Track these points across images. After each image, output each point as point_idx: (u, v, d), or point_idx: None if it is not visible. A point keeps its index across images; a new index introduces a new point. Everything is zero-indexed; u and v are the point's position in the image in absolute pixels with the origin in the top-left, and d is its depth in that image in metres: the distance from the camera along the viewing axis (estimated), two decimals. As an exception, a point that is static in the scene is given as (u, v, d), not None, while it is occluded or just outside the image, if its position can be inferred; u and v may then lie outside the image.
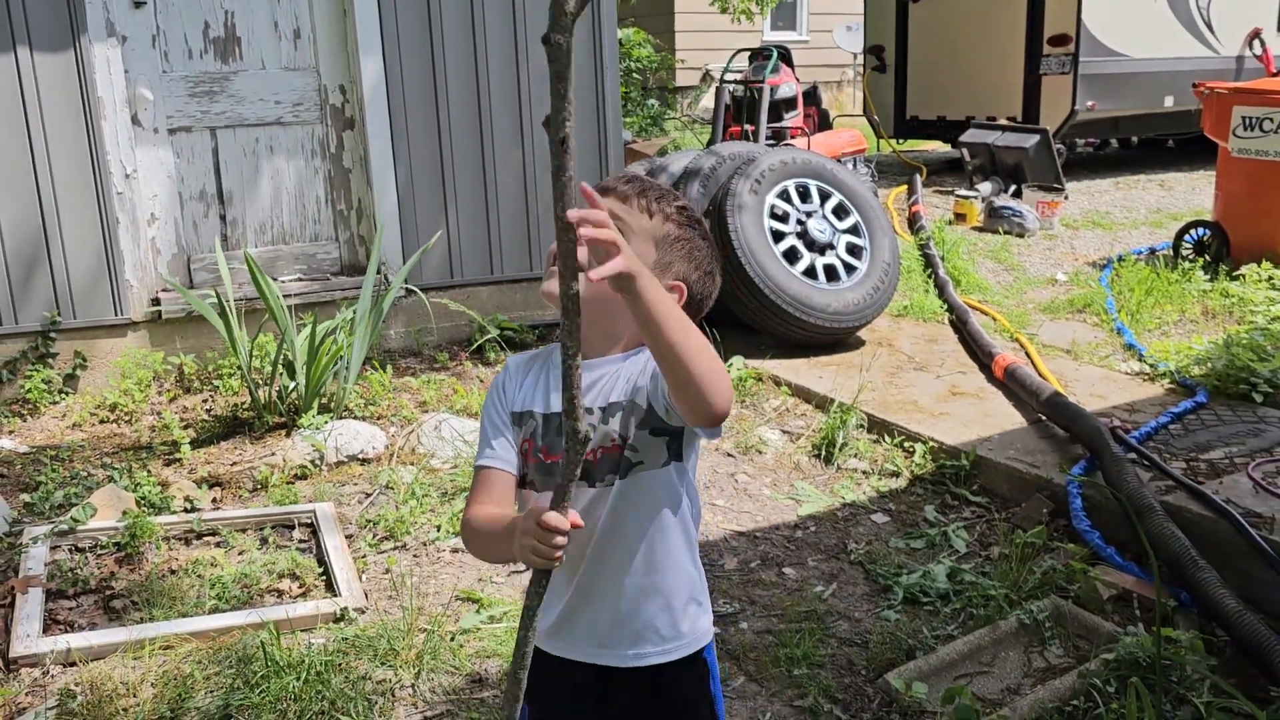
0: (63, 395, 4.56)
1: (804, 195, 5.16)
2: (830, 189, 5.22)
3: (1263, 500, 3.21)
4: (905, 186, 8.57)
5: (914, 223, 7.23)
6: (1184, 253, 6.40)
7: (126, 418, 4.42)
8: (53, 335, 4.57)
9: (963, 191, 7.72)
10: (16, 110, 4.39)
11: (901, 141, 10.63)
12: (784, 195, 5.10)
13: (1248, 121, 5.99)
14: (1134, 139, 10.39)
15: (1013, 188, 7.91)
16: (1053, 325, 5.44)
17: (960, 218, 7.44)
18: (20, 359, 4.53)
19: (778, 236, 4.98)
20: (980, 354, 4.83)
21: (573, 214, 1.09)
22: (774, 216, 5.02)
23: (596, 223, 1.14)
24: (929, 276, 6.11)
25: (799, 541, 3.49)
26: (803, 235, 5.04)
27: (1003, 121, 8.86)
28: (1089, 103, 8.61)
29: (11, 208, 4.43)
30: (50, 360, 4.56)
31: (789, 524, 3.61)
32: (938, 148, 10.98)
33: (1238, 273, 5.81)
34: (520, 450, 1.51)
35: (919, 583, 3.15)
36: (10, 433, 4.28)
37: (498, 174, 5.36)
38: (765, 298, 4.78)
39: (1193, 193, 8.76)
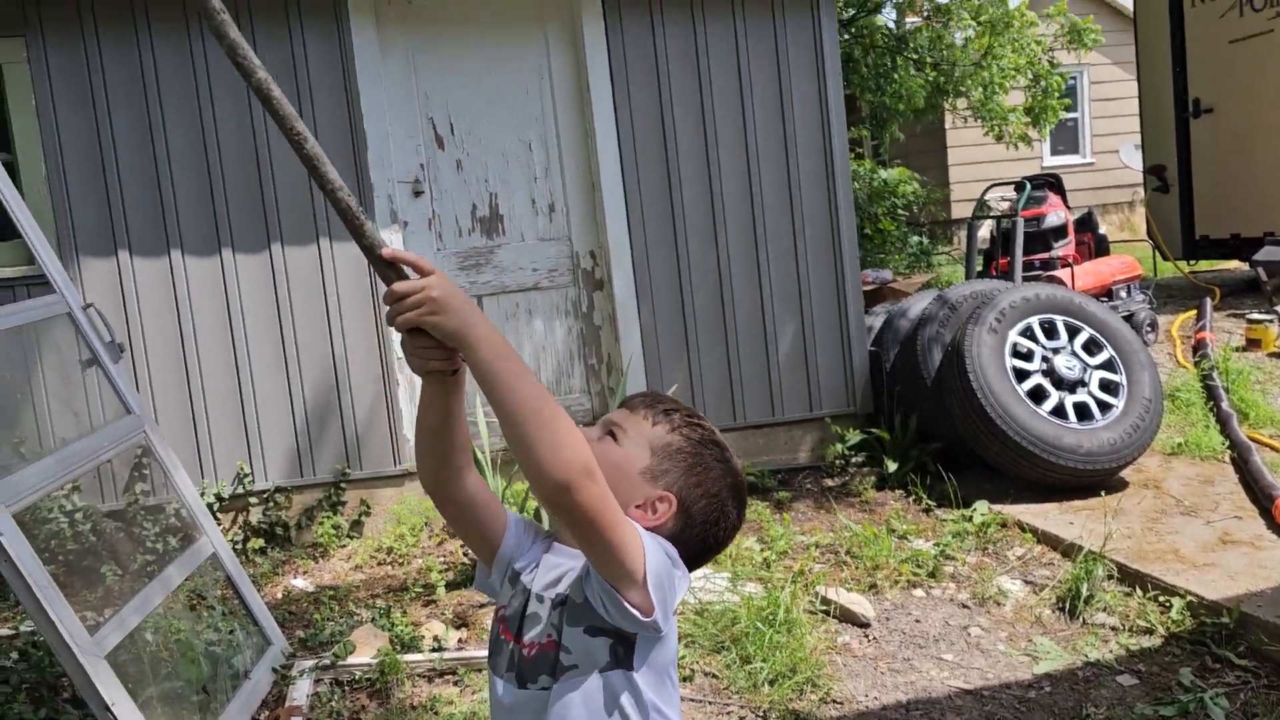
0: (349, 539, 5.11)
1: (1049, 332, 4.97)
2: (1079, 324, 5.00)
3: None
4: (1195, 311, 7.97)
5: (1199, 349, 6.69)
6: None
7: (400, 560, 4.87)
8: (343, 485, 5.15)
9: (1256, 315, 7.07)
10: (318, 291, 5.12)
11: (1193, 263, 9.91)
12: (1027, 333, 4.94)
13: None
14: None
15: (1320, 307, 7.15)
16: (1360, 463, 4.83)
17: (1254, 344, 6.78)
18: (316, 507, 5.14)
19: (1021, 375, 4.82)
20: (1260, 496, 4.37)
21: (388, 252, 1.22)
22: (1017, 355, 4.87)
23: (397, 299, 1.20)
24: (1210, 410, 5.62)
25: (1031, 703, 3.27)
26: (1049, 373, 4.84)
27: (1307, 235, 8.09)
28: None
29: (311, 374, 5.12)
30: (340, 508, 5.14)
31: (1022, 683, 3.39)
32: (1237, 267, 10.11)
33: None
34: (496, 614, 1.44)
35: (1164, 756, 2.87)
36: (305, 574, 4.83)
37: (738, 326, 5.57)
38: (1008, 438, 4.60)
39: None
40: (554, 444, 1.15)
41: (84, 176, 4.85)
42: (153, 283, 4.94)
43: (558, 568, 1.37)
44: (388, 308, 1.22)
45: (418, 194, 5.31)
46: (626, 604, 1.22)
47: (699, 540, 1.40)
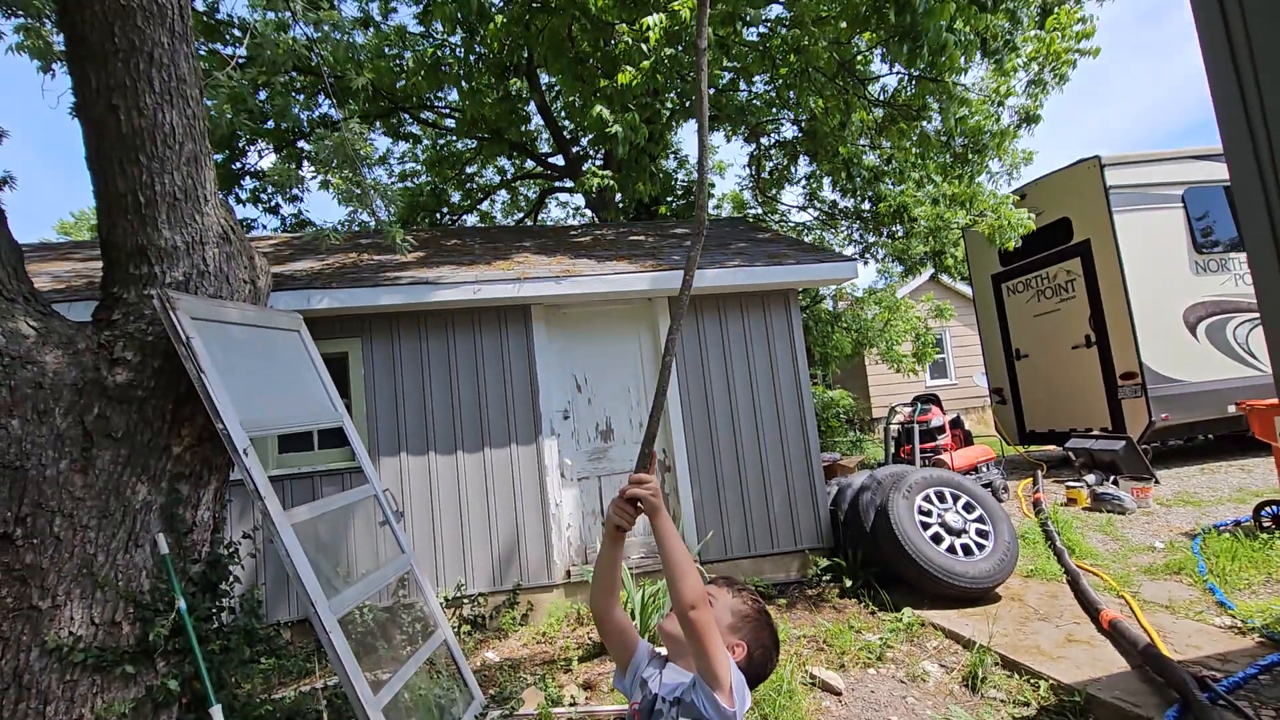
0: (520, 626, 4.94)
1: (941, 498, 4.79)
2: (960, 493, 4.81)
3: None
4: (1031, 479, 7.59)
5: (1037, 506, 6.33)
6: (1264, 524, 5.07)
7: (549, 641, 4.67)
8: (518, 592, 5.04)
9: (1072, 482, 6.71)
10: (510, 474, 5.20)
11: (1026, 447, 9.52)
12: (927, 498, 4.76)
13: (1286, 428, 4.89)
14: (1210, 435, 8.58)
15: (1112, 478, 6.76)
16: (1152, 584, 4.42)
17: (1072, 501, 6.41)
18: (501, 605, 5.01)
19: (926, 526, 4.61)
20: (1089, 609, 4.02)
21: (634, 478, 1.24)
22: (922, 513, 4.68)
23: (641, 483, 1.23)
24: (1049, 546, 5.26)
25: (952, 754, 2.95)
26: (944, 524, 4.63)
27: (1096, 431, 7.76)
28: (1162, 415, 7.37)
29: (504, 528, 5.12)
30: (516, 606, 5.00)
31: (945, 739, 3.08)
32: (1054, 449, 9.67)
33: (1312, 541, 4.50)
34: (630, 708, 1.38)
35: (1046, 799, 2.54)
36: (493, 649, 4.66)
37: (750, 493, 5.48)
38: (921, 567, 4.36)
39: (1270, 474, 6.96)
40: (689, 579, 1.22)
41: (386, 412, 5.11)
42: (418, 471, 5.09)
43: (674, 680, 1.35)
44: (628, 483, 1.31)
45: (565, 417, 5.46)
46: (719, 700, 1.22)
47: (755, 671, 1.40)
